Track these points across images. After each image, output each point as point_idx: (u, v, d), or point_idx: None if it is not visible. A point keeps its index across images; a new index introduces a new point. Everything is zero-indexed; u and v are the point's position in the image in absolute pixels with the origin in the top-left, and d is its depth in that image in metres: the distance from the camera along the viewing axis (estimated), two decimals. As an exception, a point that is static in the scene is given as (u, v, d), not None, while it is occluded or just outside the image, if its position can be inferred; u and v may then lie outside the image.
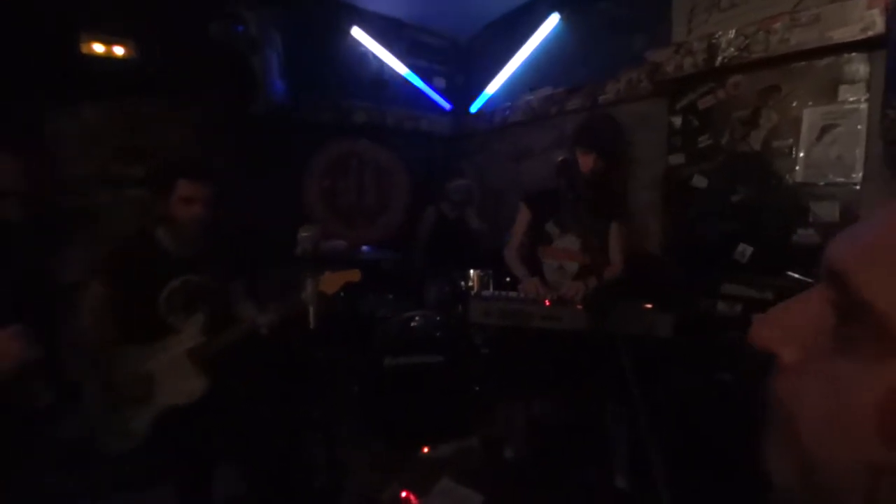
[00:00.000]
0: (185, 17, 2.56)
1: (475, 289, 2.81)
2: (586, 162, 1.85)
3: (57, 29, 2.30)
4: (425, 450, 2.35)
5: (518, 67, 3.55)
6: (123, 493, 1.95)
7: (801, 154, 2.01)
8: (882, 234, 0.24)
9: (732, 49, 2.13)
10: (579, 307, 1.65)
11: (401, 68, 3.68)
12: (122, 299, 1.58)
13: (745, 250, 2.18)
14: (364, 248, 3.08)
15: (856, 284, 0.24)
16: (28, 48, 2.25)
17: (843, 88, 1.89)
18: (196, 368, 1.58)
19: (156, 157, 2.58)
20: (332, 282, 1.62)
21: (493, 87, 3.76)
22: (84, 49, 2.29)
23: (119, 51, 2.37)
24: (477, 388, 2.67)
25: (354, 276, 1.67)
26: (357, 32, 3.43)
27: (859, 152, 1.85)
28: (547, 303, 1.73)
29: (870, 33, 1.74)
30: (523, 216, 2.10)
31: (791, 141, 2.03)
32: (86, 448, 1.55)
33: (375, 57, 3.57)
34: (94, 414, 1.55)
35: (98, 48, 2.34)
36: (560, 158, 1.68)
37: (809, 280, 1.97)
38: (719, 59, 2.18)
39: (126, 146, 2.60)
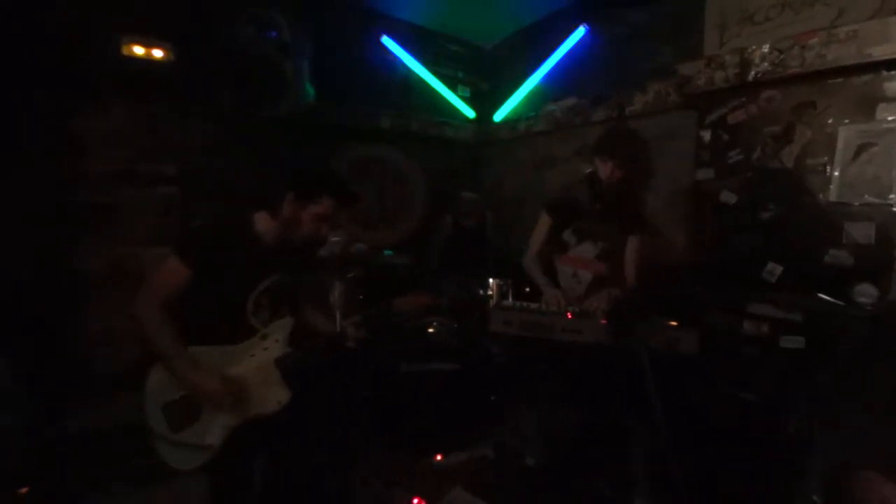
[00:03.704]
0: (218, 21, 2.63)
1: (494, 298, 2.80)
2: (605, 169, 1.89)
3: (95, 29, 2.38)
4: (439, 457, 2.34)
5: (543, 77, 3.55)
6: (156, 482, 1.86)
7: (836, 173, 1.96)
8: None
9: (766, 64, 2.10)
10: (603, 321, 1.63)
11: (427, 76, 3.72)
12: (205, 288, 1.39)
13: (774, 269, 2.13)
14: (384, 252, 3.10)
15: None
16: (62, 47, 2.33)
17: (881, 107, 1.84)
18: (281, 377, 1.46)
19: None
20: (408, 303, 1.65)
21: (517, 97, 3.77)
22: (125, 51, 2.36)
23: (158, 53, 2.44)
24: (493, 398, 2.65)
25: (425, 300, 1.72)
26: (386, 40, 3.48)
27: (897, 173, 1.80)
28: (569, 315, 1.72)
29: (911, 51, 1.70)
30: (543, 223, 2.13)
31: (825, 159, 1.99)
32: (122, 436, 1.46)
33: (402, 64, 3.61)
34: (158, 423, 1.36)
35: (138, 50, 2.41)
36: (588, 171, 1.69)
37: (840, 303, 1.92)
38: (752, 73, 2.14)
39: (154, 146, 2.67)
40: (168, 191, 2.73)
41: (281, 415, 1.44)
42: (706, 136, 2.38)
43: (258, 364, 1.44)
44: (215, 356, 1.40)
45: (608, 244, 1.93)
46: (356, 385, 2.54)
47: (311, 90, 2.77)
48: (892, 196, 1.81)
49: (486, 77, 4.10)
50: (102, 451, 1.97)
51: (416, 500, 2.01)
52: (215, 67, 2.60)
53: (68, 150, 2.44)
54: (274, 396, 1.43)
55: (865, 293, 1.85)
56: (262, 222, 1.49)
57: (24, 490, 1.82)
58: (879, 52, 1.78)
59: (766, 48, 2.09)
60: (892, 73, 1.81)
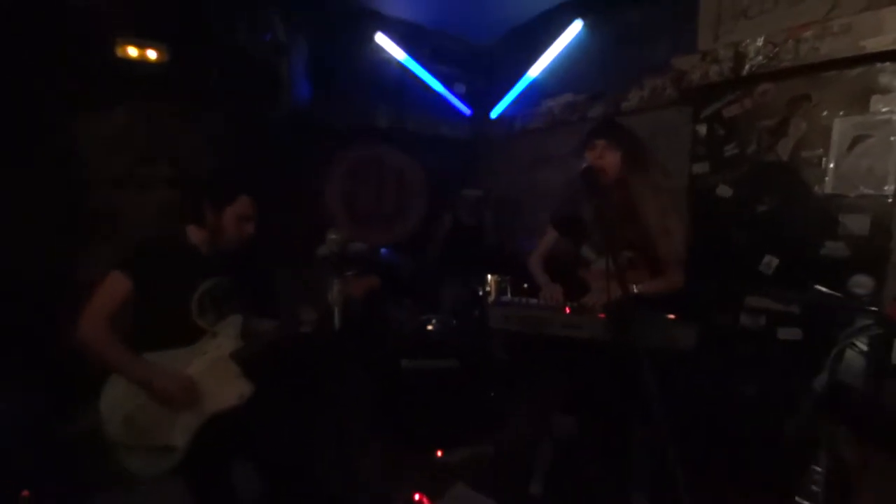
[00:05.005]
0: (213, 22, 2.62)
1: (492, 294, 2.81)
2: (594, 155, 1.78)
3: (90, 32, 2.37)
4: (439, 453, 2.35)
5: (540, 73, 3.55)
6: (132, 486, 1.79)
7: (832, 165, 1.96)
8: None
9: (760, 57, 2.10)
10: (601, 316, 1.64)
11: (422, 73, 3.72)
12: (148, 297, 1.48)
13: (770, 262, 2.13)
14: (382, 251, 3.11)
15: None
16: (61, 52, 2.32)
17: (875, 98, 1.85)
18: (241, 370, 1.52)
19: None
20: (357, 286, 1.69)
21: (514, 94, 3.77)
22: (119, 52, 2.36)
23: (152, 55, 2.44)
24: (492, 394, 2.66)
25: (375, 282, 1.76)
26: (380, 38, 3.48)
27: (892, 164, 1.81)
28: (567, 310, 1.72)
29: (904, 43, 1.71)
30: (550, 235, 2.12)
31: (820, 151, 1.99)
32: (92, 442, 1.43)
33: (398, 62, 3.61)
34: (121, 433, 1.39)
35: (132, 52, 2.41)
36: (584, 166, 1.67)
37: (837, 294, 1.92)
38: (747, 67, 2.15)
39: (153, 148, 2.67)
40: (166, 195, 2.73)
41: (250, 407, 1.49)
42: (702, 130, 2.39)
43: (213, 361, 1.50)
44: (167, 360, 1.45)
45: (631, 251, 1.78)
46: (356, 381, 2.55)
47: (306, 90, 2.78)
48: (887, 187, 1.82)
49: (483, 74, 4.10)
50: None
51: (417, 496, 2.02)
52: (211, 70, 2.60)
53: (65, 155, 2.44)
54: (234, 390, 1.48)
55: (861, 284, 1.86)
56: (194, 234, 1.60)
57: (25, 493, 1.82)
58: (873, 45, 1.79)
59: (760, 42, 2.10)
60: (886, 64, 1.82)
